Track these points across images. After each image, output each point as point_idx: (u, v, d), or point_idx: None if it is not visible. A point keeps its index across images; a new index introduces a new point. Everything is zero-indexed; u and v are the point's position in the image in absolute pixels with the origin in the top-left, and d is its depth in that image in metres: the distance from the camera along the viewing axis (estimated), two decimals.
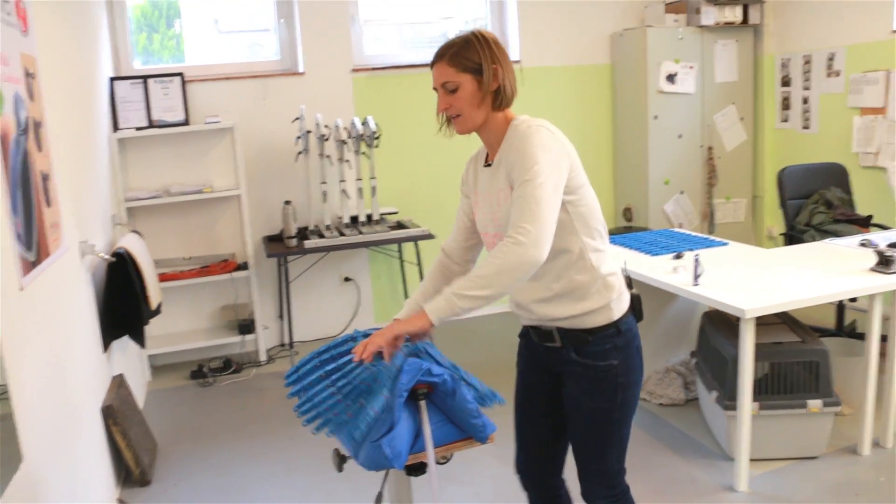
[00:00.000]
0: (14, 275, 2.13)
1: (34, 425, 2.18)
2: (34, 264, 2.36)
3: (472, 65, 1.96)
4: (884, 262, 3.35)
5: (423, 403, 1.70)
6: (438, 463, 1.83)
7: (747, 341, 3.04)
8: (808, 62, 5.66)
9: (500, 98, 1.99)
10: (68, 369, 2.75)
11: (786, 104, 5.93)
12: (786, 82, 5.90)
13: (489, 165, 2.06)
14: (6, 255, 2.08)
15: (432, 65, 2.02)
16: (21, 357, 2.12)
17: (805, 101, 5.73)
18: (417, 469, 1.79)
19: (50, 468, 2.31)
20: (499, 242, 1.84)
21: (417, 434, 1.70)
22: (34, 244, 2.38)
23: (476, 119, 2.00)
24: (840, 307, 4.63)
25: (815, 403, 3.31)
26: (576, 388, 2.10)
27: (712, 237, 4.23)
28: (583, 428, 2.13)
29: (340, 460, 1.89)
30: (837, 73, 5.41)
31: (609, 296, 2.03)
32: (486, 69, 1.95)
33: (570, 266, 2.00)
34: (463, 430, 1.78)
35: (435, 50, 2.02)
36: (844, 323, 4.65)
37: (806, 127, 5.75)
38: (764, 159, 6.12)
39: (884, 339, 3.44)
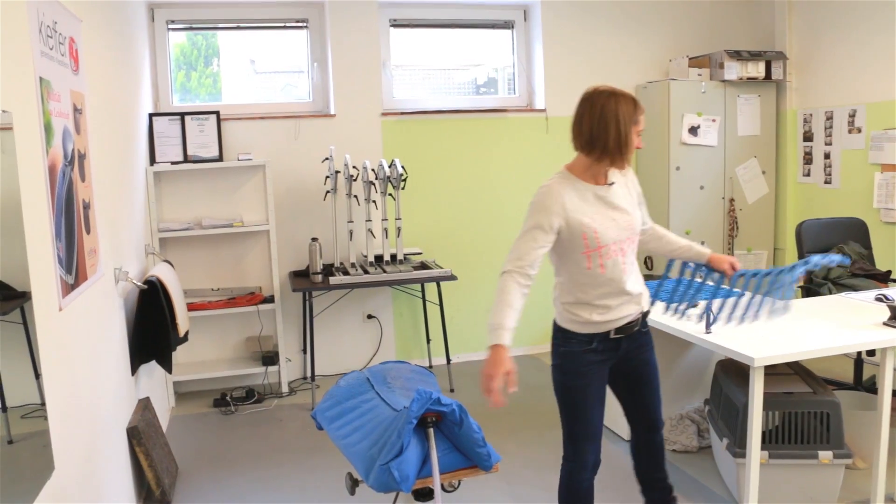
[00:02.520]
0: (55, 296, 2.27)
1: (66, 438, 2.29)
2: (73, 287, 2.50)
3: None
4: None
5: (431, 431, 1.80)
6: (445, 490, 1.92)
7: (756, 389, 3.09)
8: (829, 118, 5.74)
9: None
10: (98, 389, 2.87)
11: (808, 159, 6.01)
12: (808, 137, 5.98)
13: (611, 184, 2.68)
14: (48, 277, 2.22)
15: (642, 110, 2.64)
16: (58, 373, 2.24)
17: (827, 156, 5.81)
18: (426, 495, 1.88)
19: (78, 480, 2.43)
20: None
21: (425, 460, 1.79)
22: (74, 268, 2.52)
23: None
24: (858, 361, 4.65)
25: (825, 455, 3.34)
26: (651, 354, 2.86)
27: (730, 288, 4.28)
28: (656, 381, 2.90)
29: (353, 484, 1.98)
30: (859, 130, 5.49)
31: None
32: None
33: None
34: (469, 458, 1.87)
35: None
36: (863, 377, 4.66)
37: (828, 182, 5.82)
38: (786, 212, 6.18)
39: None
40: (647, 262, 6.11)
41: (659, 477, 3.00)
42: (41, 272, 2.15)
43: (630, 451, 3.02)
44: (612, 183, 2.69)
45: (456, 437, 1.84)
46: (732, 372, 3.64)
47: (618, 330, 2.72)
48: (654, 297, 3.29)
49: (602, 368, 2.76)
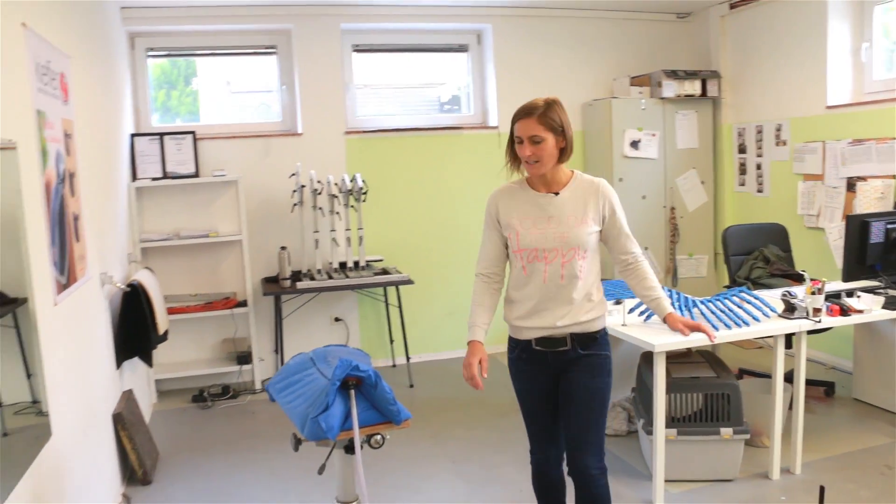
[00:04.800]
0: (50, 292, 2.72)
1: (61, 411, 2.74)
2: (65, 286, 2.95)
3: (554, 126, 2.61)
4: (789, 310, 3.89)
5: (352, 392, 2.26)
6: (372, 447, 2.39)
7: (659, 372, 3.57)
8: (760, 132, 6.26)
9: (564, 153, 2.69)
10: (88, 376, 3.32)
11: (742, 169, 6.52)
12: (742, 149, 6.50)
13: (556, 194, 2.71)
14: (45, 277, 2.67)
15: (519, 119, 2.65)
16: (53, 355, 2.69)
17: (759, 167, 6.32)
18: (352, 449, 2.34)
19: (71, 453, 2.87)
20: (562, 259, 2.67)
21: (347, 415, 2.25)
22: (66, 270, 2.97)
23: (548, 166, 2.66)
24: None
25: (726, 431, 3.82)
26: (584, 376, 2.76)
27: (675, 290, 4.76)
28: (583, 406, 2.78)
29: (297, 442, 2.44)
30: (784, 143, 6.01)
31: (605, 308, 2.85)
32: (566, 130, 2.65)
33: (596, 281, 2.78)
34: (383, 415, 2.34)
35: (519, 109, 2.68)
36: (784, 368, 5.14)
37: (760, 190, 6.33)
38: (724, 219, 6.67)
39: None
40: None
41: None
42: (40, 273, 2.60)
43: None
44: (557, 193, 2.71)
45: (372, 398, 2.29)
46: (650, 361, 4.11)
47: (538, 342, 2.77)
48: None
49: (539, 376, 2.81)
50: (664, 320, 2.97)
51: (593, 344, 2.78)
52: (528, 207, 2.73)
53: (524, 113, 2.63)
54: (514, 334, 2.86)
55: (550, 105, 2.64)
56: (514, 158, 2.76)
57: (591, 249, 2.73)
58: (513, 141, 2.72)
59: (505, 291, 2.89)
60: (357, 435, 2.24)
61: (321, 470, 2.35)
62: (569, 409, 2.78)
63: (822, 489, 2.22)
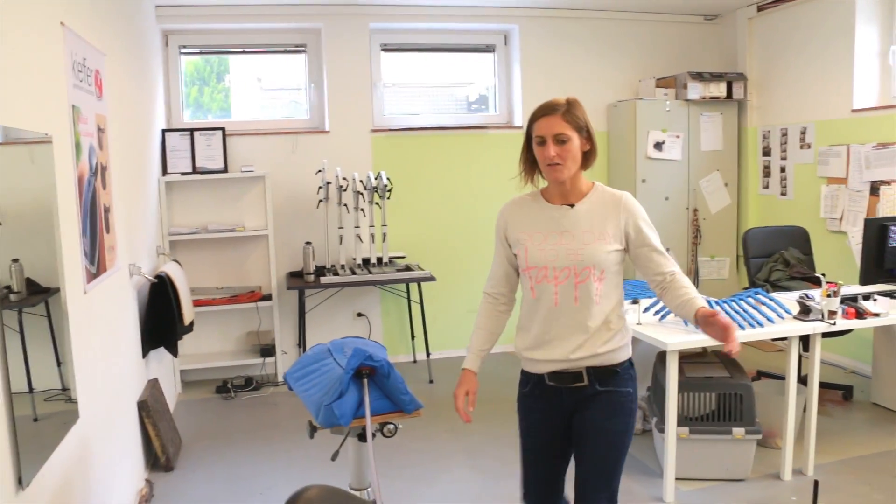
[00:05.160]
0: (81, 281, 2.84)
1: (88, 396, 2.85)
2: (95, 276, 3.06)
3: (579, 125, 2.33)
4: (804, 312, 3.92)
5: (365, 381, 2.35)
6: (384, 435, 2.48)
7: (671, 371, 3.62)
8: (784, 135, 6.26)
9: (589, 158, 2.40)
10: (114, 363, 3.44)
11: (767, 172, 6.52)
12: (766, 152, 6.50)
13: (571, 206, 2.40)
14: (76, 266, 2.79)
15: (541, 116, 2.34)
16: (83, 342, 2.81)
17: (783, 169, 6.32)
18: (364, 437, 2.43)
19: (97, 437, 2.98)
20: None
21: (360, 404, 2.33)
22: (96, 260, 3.09)
23: (572, 171, 2.35)
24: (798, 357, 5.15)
25: (738, 430, 3.85)
26: (600, 414, 2.39)
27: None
28: (598, 448, 2.42)
29: (312, 429, 2.52)
30: (809, 146, 6.00)
31: (628, 336, 2.47)
32: (591, 133, 2.37)
33: (617, 308, 2.43)
34: (395, 404, 2.42)
35: (539, 107, 2.38)
36: (802, 371, 5.16)
37: (783, 193, 6.33)
38: (748, 222, 6.67)
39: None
40: None
41: None
42: (71, 261, 2.71)
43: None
44: (572, 205, 2.41)
45: (385, 387, 2.38)
46: (665, 360, 4.15)
47: (551, 376, 2.44)
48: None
49: (553, 416, 2.47)
50: (695, 321, 2.30)
51: (613, 379, 2.41)
52: (540, 220, 2.43)
53: (548, 110, 2.34)
54: (525, 367, 2.53)
55: (573, 103, 2.37)
56: (529, 166, 2.47)
57: (609, 271, 2.38)
58: (529, 145, 2.44)
59: (518, 319, 2.57)
60: (369, 423, 2.33)
61: (334, 456, 2.43)
62: (581, 453, 2.44)
63: (815, 483, 2.25)
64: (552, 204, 2.43)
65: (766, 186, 6.54)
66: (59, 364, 2.54)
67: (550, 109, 2.34)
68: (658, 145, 6.34)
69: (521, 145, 2.48)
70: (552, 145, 2.32)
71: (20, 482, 2.06)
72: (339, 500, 1.54)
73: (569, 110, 2.34)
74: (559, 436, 2.48)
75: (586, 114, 2.40)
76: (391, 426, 2.48)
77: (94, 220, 3.09)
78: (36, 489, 2.19)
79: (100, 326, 3.18)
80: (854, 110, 5.55)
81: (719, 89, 6.44)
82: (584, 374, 2.39)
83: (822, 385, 5.12)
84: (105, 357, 3.25)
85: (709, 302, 4.02)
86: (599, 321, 2.38)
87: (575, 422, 2.44)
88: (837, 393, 5.14)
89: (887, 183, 5.21)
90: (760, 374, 5.27)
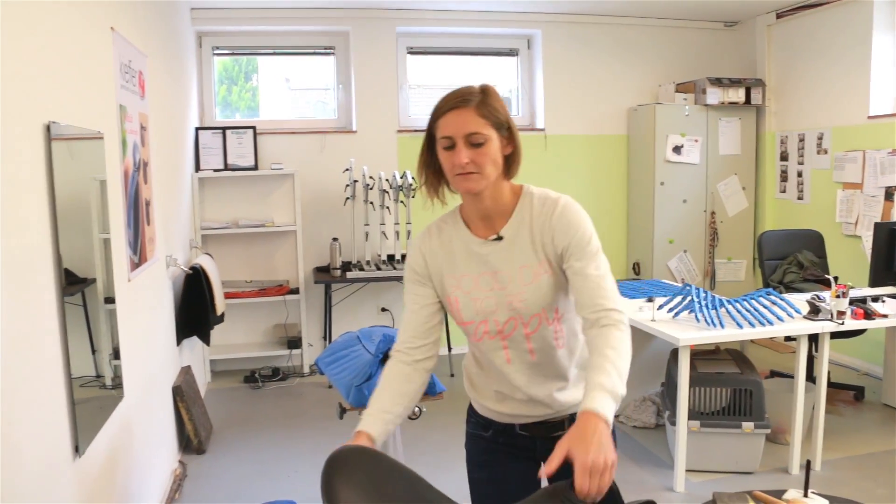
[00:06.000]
0: (125, 269, 3.04)
1: (132, 375, 3.05)
2: (137, 265, 3.26)
3: (498, 120, 1.77)
4: (814, 311, 4.05)
5: None
6: (410, 418, 2.65)
7: (683, 365, 3.77)
8: (802, 140, 6.36)
9: (512, 164, 1.83)
10: (152, 348, 3.64)
11: (784, 176, 6.63)
12: (784, 157, 6.61)
13: (499, 238, 1.85)
14: (122, 255, 2.98)
15: (447, 111, 1.78)
16: (127, 325, 3.01)
17: (800, 174, 6.43)
18: None
19: (137, 416, 3.18)
20: (579, 327, 1.78)
21: None
22: (138, 250, 3.29)
23: (490, 180, 1.79)
24: (810, 357, 5.26)
25: (748, 425, 3.99)
26: None
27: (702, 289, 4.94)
28: None
29: (342, 411, 2.71)
30: (826, 151, 6.11)
31: None
32: (514, 129, 1.82)
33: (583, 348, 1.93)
34: None
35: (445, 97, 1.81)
36: (815, 371, 5.27)
37: (800, 198, 6.43)
38: (764, 225, 6.78)
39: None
40: (634, 268, 6.78)
41: None
42: (118, 251, 2.91)
43: None
44: (499, 237, 1.86)
45: None
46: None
47: (524, 427, 1.98)
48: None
49: (519, 465, 2.00)
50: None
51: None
52: (465, 258, 1.88)
53: (456, 101, 1.77)
54: (481, 411, 2.06)
55: (489, 92, 1.80)
56: (432, 176, 1.88)
57: (564, 301, 1.89)
58: (431, 148, 1.85)
59: (463, 364, 2.11)
60: None
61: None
62: None
63: (808, 463, 2.39)
64: (474, 235, 1.88)
65: (784, 191, 6.65)
66: (93, 352, 2.58)
67: (460, 101, 1.77)
68: (677, 149, 6.47)
69: (421, 147, 1.88)
70: (463, 149, 1.75)
71: (77, 450, 2.25)
72: (371, 458, 1.64)
73: (484, 101, 1.77)
74: (524, 489, 1.77)
75: (504, 104, 1.83)
76: (416, 409, 2.65)
77: (136, 213, 3.28)
78: (89, 459, 2.38)
79: (141, 313, 3.38)
80: (870, 117, 5.65)
81: (738, 95, 6.55)
82: (566, 423, 1.94)
83: (835, 385, 5.25)
84: (145, 342, 3.45)
85: (716, 299, 4.14)
86: (574, 362, 1.94)
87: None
88: (849, 393, 5.25)
89: None
90: (773, 374, 5.39)
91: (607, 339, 1.70)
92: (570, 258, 1.78)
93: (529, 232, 1.82)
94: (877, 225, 4.46)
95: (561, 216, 1.80)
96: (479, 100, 1.76)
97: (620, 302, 1.78)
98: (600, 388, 1.61)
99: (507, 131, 1.80)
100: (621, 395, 1.63)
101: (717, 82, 6.47)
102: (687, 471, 3.92)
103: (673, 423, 4.02)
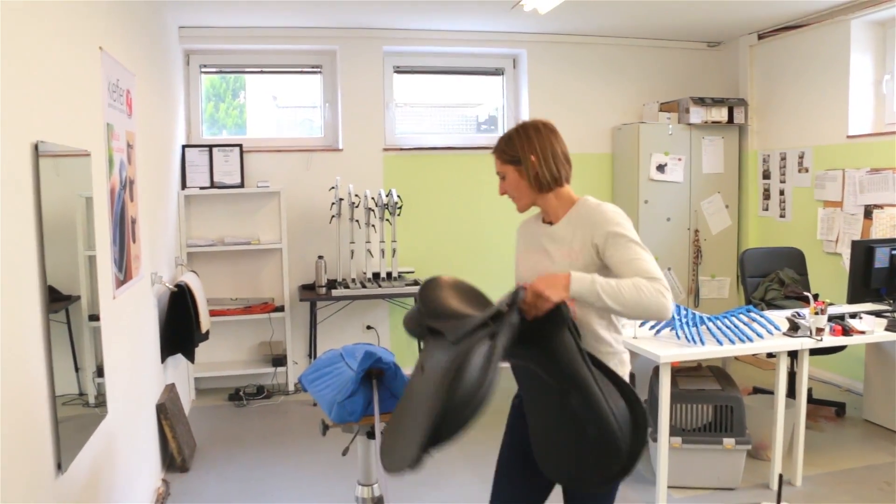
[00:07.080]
0: (110, 286, 3.05)
1: (116, 393, 3.06)
2: (122, 282, 3.28)
3: (511, 157, 2.29)
4: (793, 328, 4.10)
5: (374, 381, 2.55)
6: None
7: (664, 382, 3.80)
8: (783, 158, 6.45)
9: (541, 181, 2.29)
10: (137, 366, 3.65)
11: (766, 195, 6.71)
12: (766, 175, 6.69)
13: (549, 224, 2.36)
14: (107, 272, 3.00)
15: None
16: (112, 342, 3.02)
17: (782, 192, 6.51)
18: (373, 434, 2.62)
19: (121, 434, 3.19)
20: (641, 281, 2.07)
21: (370, 403, 2.54)
22: (124, 268, 3.30)
23: (525, 199, 2.34)
24: (791, 373, 5.31)
25: (729, 441, 4.03)
26: None
27: (683, 306, 4.98)
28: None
29: (325, 427, 2.72)
30: (807, 170, 6.19)
31: (624, 371, 2.30)
32: (525, 157, 2.28)
33: (607, 333, 2.29)
34: None
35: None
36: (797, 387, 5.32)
37: (782, 216, 6.51)
38: (747, 243, 6.86)
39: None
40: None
41: None
42: (104, 268, 2.93)
43: None
44: (550, 223, 2.37)
45: (393, 387, 2.58)
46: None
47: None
48: None
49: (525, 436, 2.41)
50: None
51: None
52: (530, 238, 2.44)
53: (493, 149, 2.40)
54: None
55: (510, 136, 2.33)
56: None
57: None
58: None
59: None
60: (378, 420, 2.52)
61: (345, 452, 2.63)
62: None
63: (780, 477, 2.43)
64: (542, 222, 2.41)
65: (766, 209, 6.72)
66: (76, 370, 2.58)
67: (494, 147, 2.38)
68: (661, 167, 6.54)
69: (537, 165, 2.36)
70: (500, 182, 2.37)
71: (59, 467, 2.26)
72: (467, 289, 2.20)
73: (499, 146, 2.35)
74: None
75: (534, 138, 2.30)
76: None
77: (122, 231, 3.30)
78: (71, 476, 2.39)
79: (126, 330, 3.39)
80: (849, 136, 5.74)
81: (721, 114, 6.65)
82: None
83: (816, 402, 5.31)
84: (130, 360, 3.46)
85: (696, 316, 4.18)
86: (589, 341, 2.25)
87: None
88: (830, 409, 5.30)
89: (880, 207, 5.39)
90: (757, 390, 5.44)
91: (641, 281, 2.07)
92: (608, 248, 2.17)
93: (576, 226, 2.26)
94: (854, 243, 4.53)
95: (599, 213, 2.23)
96: (498, 146, 2.36)
97: (663, 277, 2.11)
98: (595, 277, 2.08)
99: (523, 161, 2.29)
100: (605, 298, 2.05)
101: (701, 102, 6.56)
102: (669, 487, 3.95)
103: (654, 440, 4.05)
